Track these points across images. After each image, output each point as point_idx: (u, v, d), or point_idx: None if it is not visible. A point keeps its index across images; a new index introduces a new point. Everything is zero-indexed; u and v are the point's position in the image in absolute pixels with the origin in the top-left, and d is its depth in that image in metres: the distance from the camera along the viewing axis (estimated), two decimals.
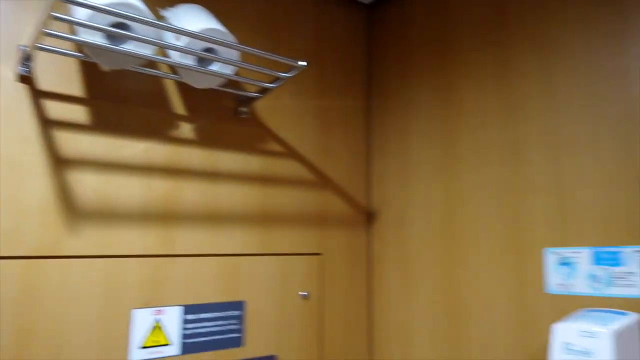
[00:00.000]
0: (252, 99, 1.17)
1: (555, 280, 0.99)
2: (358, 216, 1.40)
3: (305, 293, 1.25)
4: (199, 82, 1.04)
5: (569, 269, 0.97)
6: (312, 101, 1.34)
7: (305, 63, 1.00)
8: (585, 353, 0.81)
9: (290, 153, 1.28)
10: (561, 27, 1.02)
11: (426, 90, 1.30)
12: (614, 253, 0.91)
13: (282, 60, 0.99)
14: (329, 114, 1.37)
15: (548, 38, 1.04)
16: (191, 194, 1.11)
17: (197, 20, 1.00)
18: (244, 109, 1.19)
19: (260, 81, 1.09)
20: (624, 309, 0.89)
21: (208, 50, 0.99)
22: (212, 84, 1.06)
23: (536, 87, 1.05)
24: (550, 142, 1.02)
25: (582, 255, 0.95)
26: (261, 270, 1.20)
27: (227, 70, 1.03)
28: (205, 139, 1.14)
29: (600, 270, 0.92)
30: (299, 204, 1.28)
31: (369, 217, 1.42)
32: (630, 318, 0.85)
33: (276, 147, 1.25)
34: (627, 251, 0.89)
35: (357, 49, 1.47)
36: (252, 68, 1.00)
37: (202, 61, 1.02)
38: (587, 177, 0.95)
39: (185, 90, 1.13)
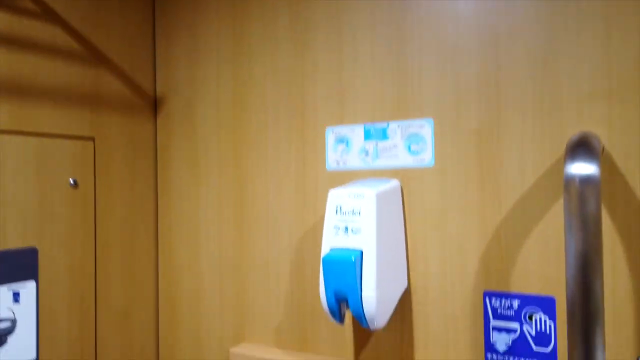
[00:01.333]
0: None
1: (334, 157, 1.05)
2: (141, 102, 1.26)
3: (73, 181, 1.09)
4: None
5: (344, 146, 1.04)
6: None
7: None
8: (354, 212, 0.89)
9: (49, 14, 1.05)
10: None
11: None
12: (382, 129, 0.99)
13: None
14: None
15: None
16: None
17: None
18: None
19: None
20: (389, 178, 0.99)
21: None
22: None
23: None
24: (333, 27, 1.04)
25: (356, 132, 1.02)
26: (15, 151, 0.99)
27: None
28: None
29: (370, 145, 1.01)
30: (63, 77, 1.08)
31: (155, 104, 1.29)
32: (392, 183, 0.96)
33: (28, 4, 1.01)
34: (392, 126, 0.98)
35: None
36: None
37: None
38: (363, 64, 1.01)
39: None
